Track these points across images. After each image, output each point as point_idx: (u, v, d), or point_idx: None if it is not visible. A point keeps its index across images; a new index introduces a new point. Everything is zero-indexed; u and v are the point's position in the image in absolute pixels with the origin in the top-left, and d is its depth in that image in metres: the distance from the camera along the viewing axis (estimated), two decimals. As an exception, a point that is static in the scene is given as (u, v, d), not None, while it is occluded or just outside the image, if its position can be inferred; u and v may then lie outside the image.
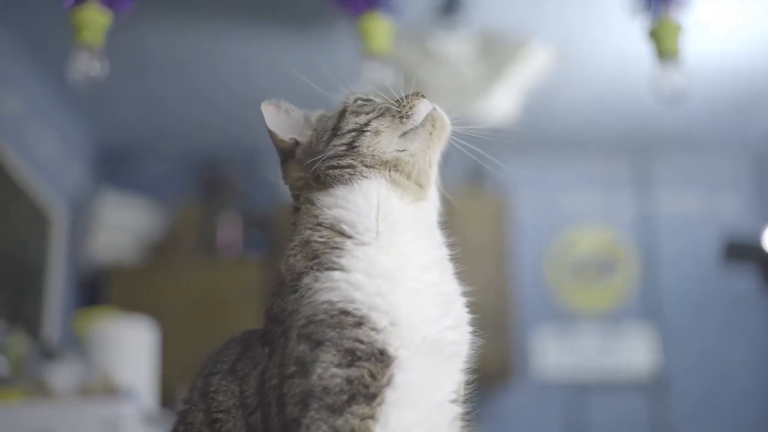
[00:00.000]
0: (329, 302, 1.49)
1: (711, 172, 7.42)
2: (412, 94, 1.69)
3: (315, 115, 1.77)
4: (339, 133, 1.66)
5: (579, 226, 7.31)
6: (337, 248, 1.56)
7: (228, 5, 5.18)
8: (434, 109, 1.68)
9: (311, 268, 1.56)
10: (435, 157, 1.69)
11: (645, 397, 6.92)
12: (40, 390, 4.23)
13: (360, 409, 1.43)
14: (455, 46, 5.07)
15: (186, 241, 6.75)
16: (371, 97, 1.73)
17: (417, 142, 1.64)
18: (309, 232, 1.62)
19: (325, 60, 5.54)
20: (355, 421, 1.42)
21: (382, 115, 1.66)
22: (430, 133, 1.66)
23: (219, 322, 6.16)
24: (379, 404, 1.45)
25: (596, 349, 7.03)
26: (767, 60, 5.77)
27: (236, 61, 5.81)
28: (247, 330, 1.70)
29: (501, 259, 6.67)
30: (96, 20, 3.18)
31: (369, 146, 1.62)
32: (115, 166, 7.12)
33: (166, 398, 5.26)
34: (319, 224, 1.61)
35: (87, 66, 3.28)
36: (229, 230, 6.81)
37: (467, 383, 1.62)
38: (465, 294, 1.65)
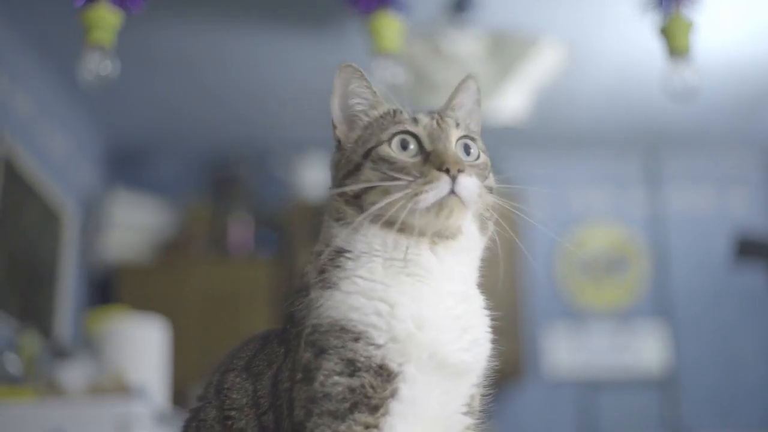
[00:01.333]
0: (331, 317, 1.53)
1: (721, 168, 7.42)
2: (437, 163, 1.55)
3: (377, 112, 1.70)
4: (356, 173, 1.62)
5: (590, 224, 7.30)
6: (339, 267, 1.59)
7: (239, 4, 5.18)
8: (451, 192, 1.54)
9: (318, 283, 1.59)
10: (456, 222, 1.59)
11: (656, 394, 6.92)
12: (52, 389, 4.24)
13: (363, 417, 1.47)
14: (466, 45, 5.07)
15: (197, 240, 6.76)
16: (409, 137, 1.61)
17: (422, 221, 1.56)
18: (321, 247, 1.64)
19: (335, 58, 5.54)
20: (358, 429, 1.46)
21: (394, 180, 1.57)
22: (436, 217, 1.56)
23: (230, 321, 6.18)
24: (384, 415, 1.48)
25: (608, 346, 7.03)
26: (778, 55, 5.76)
27: (247, 60, 5.81)
28: (270, 329, 1.72)
29: (512, 256, 6.66)
30: (107, 20, 3.18)
31: (373, 203, 1.57)
32: (126, 166, 7.14)
33: (178, 397, 5.28)
34: (328, 245, 1.63)
35: (98, 66, 3.28)
36: (240, 229, 6.82)
37: (483, 395, 1.65)
38: (490, 325, 1.65)
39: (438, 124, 1.63)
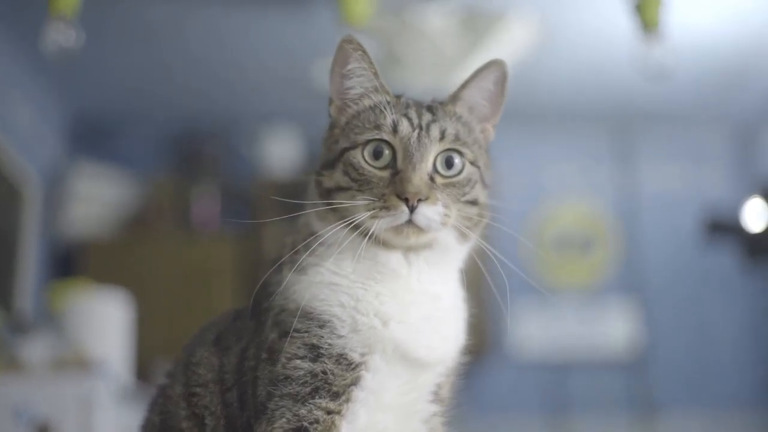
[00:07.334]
0: (297, 302, 1.54)
1: (693, 146, 7.42)
2: (399, 189, 1.52)
3: (369, 101, 1.63)
4: (331, 168, 1.60)
5: (560, 200, 7.30)
6: (311, 250, 1.57)
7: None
8: (408, 221, 1.52)
9: (289, 263, 1.58)
10: (417, 243, 1.57)
11: (626, 372, 6.94)
12: (13, 364, 4.19)
13: (324, 402, 1.48)
14: (435, 19, 5.03)
15: (163, 215, 6.70)
16: (384, 145, 1.57)
17: (384, 236, 1.54)
18: (302, 222, 1.64)
19: (302, 31, 5.50)
20: (319, 413, 1.47)
21: (362, 192, 1.55)
22: (395, 236, 1.54)
23: (196, 297, 6.14)
24: (346, 402, 1.50)
25: (576, 324, 7.03)
26: (750, 35, 5.76)
27: (214, 33, 5.74)
28: (244, 305, 1.70)
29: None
30: (69, -11, 3.13)
31: (344, 207, 1.56)
32: (91, 139, 7.05)
33: (142, 372, 5.24)
34: (306, 223, 1.62)
35: (61, 36, 3.24)
36: (206, 204, 6.77)
37: (453, 384, 1.67)
38: (465, 318, 1.66)
39: (418, 137, 1.57)
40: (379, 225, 1.51)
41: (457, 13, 5.07)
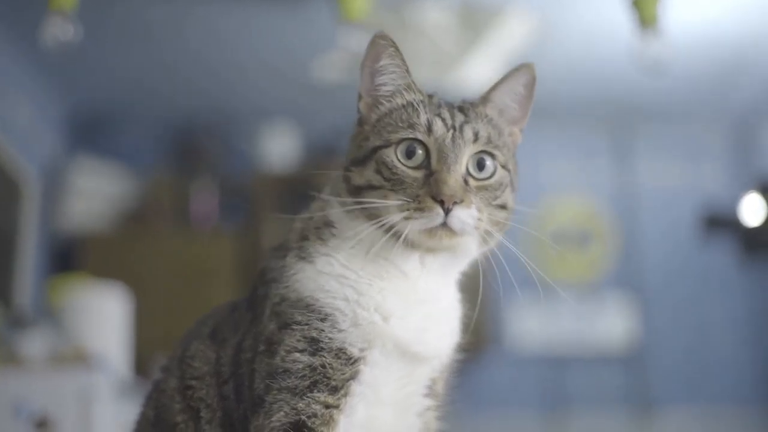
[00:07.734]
0: (299, 292, 1.52)
1: (691, 142, 7.43)
2: (434, 191, 1.49)
3: (401, 99, 1.61)
4: (361, 166, 1.57)
5: (558, 196, 7.29)
6: (322, 240, 1.57)
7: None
8: (443, 224, 1.50)
9: (296, 249, 1.57)
10: (448, 246, 1.56)
11: (623, 367, 6.94)
12: (12, 359, 4.19)
13: (322, 396, 1.47)
14: (433, 15, 5.03)
15: (161, 211, 6.70)
16: (417, 145, 1.54)
17: (414, 238, 1.52)
18: (314, 212, 1.62)
19: (300, 26, 5.50)
20: (318, 407, 1.47)
21: (394, 192, 1.52)
22: (428, 239, 1.52)
23: (194, 292, 6.14)
24: (345, 396, 1.49)
25: (574, 320, 7.03)
26: (748, 31, 5.76)
27: (212, 28, 5.74)
28: (240, 298, 1.70)
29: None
30: (68, -16, 3.13)
31: (371, 204, 1.53)
32: (89, 133, 7.04)
33: (141, 366, 5.24)
34: (323, 211, 1.60)
35: (60, 31, 3.24)
36: (205, 200, 6.77)
37: (447, 380, 1.66)
38: (460, 317, 1.66)
39: (452, 138, 1.55)
40: (413, 227, 1.49)
41: (455, 9, 5.07)
